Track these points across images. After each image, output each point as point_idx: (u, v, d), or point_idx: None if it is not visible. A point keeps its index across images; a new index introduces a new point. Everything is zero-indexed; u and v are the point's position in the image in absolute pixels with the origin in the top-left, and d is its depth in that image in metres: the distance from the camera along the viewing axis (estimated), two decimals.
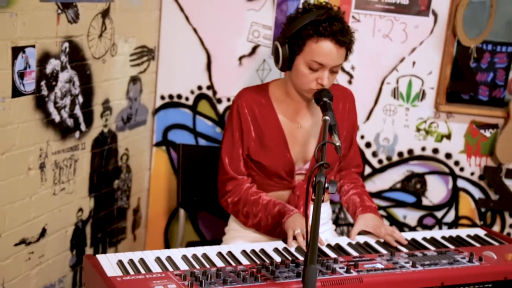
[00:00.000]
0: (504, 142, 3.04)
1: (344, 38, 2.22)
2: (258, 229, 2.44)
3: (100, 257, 2.03)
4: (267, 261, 2.09)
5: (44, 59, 2.37)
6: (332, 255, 2.18)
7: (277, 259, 2.13)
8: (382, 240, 2.34)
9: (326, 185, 1.86)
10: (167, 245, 3.43)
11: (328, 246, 2.27)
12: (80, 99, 2.65)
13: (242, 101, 2.42)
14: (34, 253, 2.51)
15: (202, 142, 3.29)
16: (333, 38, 2.21)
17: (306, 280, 1.55)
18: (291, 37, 2.26)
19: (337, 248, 2.26)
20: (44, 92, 2.41)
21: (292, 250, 2.21)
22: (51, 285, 2.68)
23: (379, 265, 2.07)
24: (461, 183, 3.18)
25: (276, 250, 2.21)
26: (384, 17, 3.03)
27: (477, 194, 3.19)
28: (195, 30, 3.17)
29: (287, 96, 2.42)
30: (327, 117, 2.13)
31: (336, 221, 3.26)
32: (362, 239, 2.35)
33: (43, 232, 2.54)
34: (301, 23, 2.23)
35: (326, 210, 2.58)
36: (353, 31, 2.29)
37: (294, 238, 2.25)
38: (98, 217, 2.95)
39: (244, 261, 2.10)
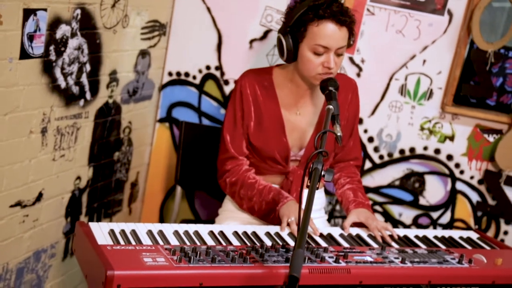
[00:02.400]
0: (505, 148, 3.02)
1: (344, 18, 2.24)
2: (252, 213, 2.45)
3: (92, 224, 2.05)
4: (258, 244, 2.10)
5: (55, 23, 2.37)
6: (323, 244, 2.19)
7: (268, 243, 2.13)
8: None
9: (322, 173, 1.86)
10: (162, 222, 3.44)
11: (320, 235, 2.27)
12: (88, 67, 2.65)
13: (245, 82, 2.43)
14: (29, 216, 2.53)
15: (206, 122, 3.29)
16: (333, 18, 2.22)
17: (292, 264, 1.56)
18: (293, 26, 2.27)
19: (329, 238, 2.27)
20: (52, 57, 2.41)
21: (284, 235, 2.22)
22: (43, 249, 2.69)
23: (368, 258, 2.07)
24: (459, 185, 3.17)
25: (267, 234, 2.22)
26: (398, 12, 3.01)
27: (475, 198, 3.18)
28: (208, 9, 3.17)
29: (289, 82, 2.43)
30: (330, 106, 2.14)
31: (331, 213, 3.26)
32: (354, 231, 2.36)
33: (39, 197, 2.56)
34: (300, 10, 2.26)
35: (320, 197, 2.59)
36: (352, 12, 2.29)
37: (288, 225, 2.26)
38: (96, 187, 2.96)
39: (235, 242, 2.11)
